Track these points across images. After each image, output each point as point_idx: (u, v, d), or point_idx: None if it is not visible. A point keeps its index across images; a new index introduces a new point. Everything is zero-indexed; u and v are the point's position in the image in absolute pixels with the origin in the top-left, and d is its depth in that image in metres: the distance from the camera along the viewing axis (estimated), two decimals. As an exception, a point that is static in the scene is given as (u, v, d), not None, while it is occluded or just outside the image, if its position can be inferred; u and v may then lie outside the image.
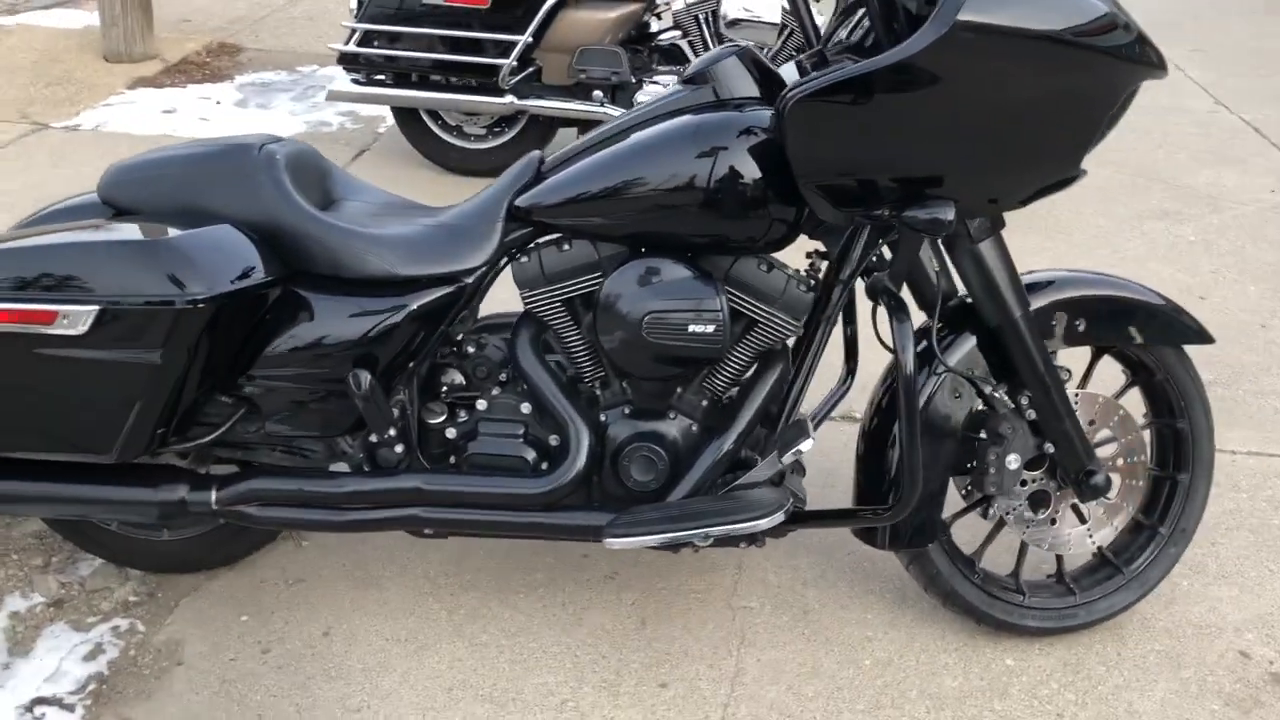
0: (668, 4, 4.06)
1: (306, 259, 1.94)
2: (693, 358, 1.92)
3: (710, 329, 1.88)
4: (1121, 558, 2.17)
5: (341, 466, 2.06)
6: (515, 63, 3.92)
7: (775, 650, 2.14)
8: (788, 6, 3.84)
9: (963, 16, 1.60)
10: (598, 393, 2.04)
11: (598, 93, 4.01)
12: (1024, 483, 2.06)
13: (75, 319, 1.77)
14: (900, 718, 2.00)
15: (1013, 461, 2.01)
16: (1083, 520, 2.12)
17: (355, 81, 4.13)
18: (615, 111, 3.97)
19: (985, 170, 1.77)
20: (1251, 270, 3.78)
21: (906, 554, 2.09)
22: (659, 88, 4.00)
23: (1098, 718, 2.01)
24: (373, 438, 2.02)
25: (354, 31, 3.99)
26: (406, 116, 4.27)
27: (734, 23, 3.91)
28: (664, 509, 1.95)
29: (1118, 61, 1.69)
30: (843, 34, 2.03)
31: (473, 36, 3.92)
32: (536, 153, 2.07)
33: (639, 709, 2.00)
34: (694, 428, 2.02)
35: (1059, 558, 2.17)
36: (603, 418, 2.02)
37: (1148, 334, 2.06)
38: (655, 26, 4.19)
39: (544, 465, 2.03)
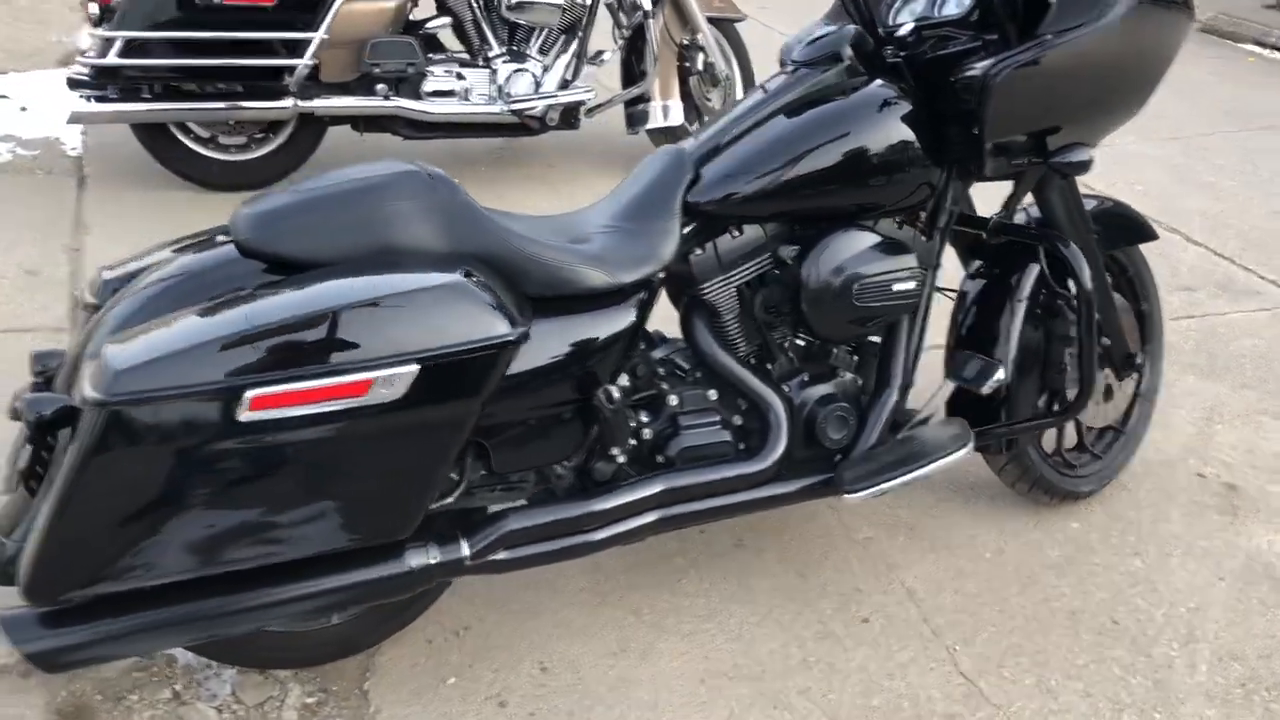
0: (430, -10, 3.95)
1: (526, 282, 1.83)
2: (894, 314, 2.09)
3: (912, 285, 2.07)
4: (1120, 421, 2.69)
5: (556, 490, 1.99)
6: (311, 62, 3.62)
7: (918, 566, 2.39)
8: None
9: None
10: (769, 368, 2.14)
11: (381, 86, 3.82)
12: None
13: (392, 383, 1.56)
14: (1040, 585, 2.35)
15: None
16: (1110, 396, 2.60)
17: (97, 99, 3.56)
18: (407, 104, 3.83)
19: (1111, 116, 2.13)
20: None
21: (1006, 454, 2.43)
22: (450, 77, 3.91)
23: (1149, 537, 2.51)
24: (614, 452, 1.97)
25: (109, 42, 3.44)
26: (153, 132, 3.76)
27: (518, 5, 3.92)
28: (881, 457, 2.12)
29: (1191, 16, 2.12)
30: (907, 12, 2.27)
31: (259, 38, 3.56)
32: (675, 147, 2.10)
33: (867, 646, 2.16)
34: (858, 381, 2.21)
35: (1079, 431, 2.64)
36: (785, 389, 2.13)
37: (1129, 236, 2.55)
38: (414, 15, 4.05)
39: (741, 445, 2.10)
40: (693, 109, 4.32)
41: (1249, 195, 4.75)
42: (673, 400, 2.06)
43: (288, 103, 3.69)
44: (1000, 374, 2.14)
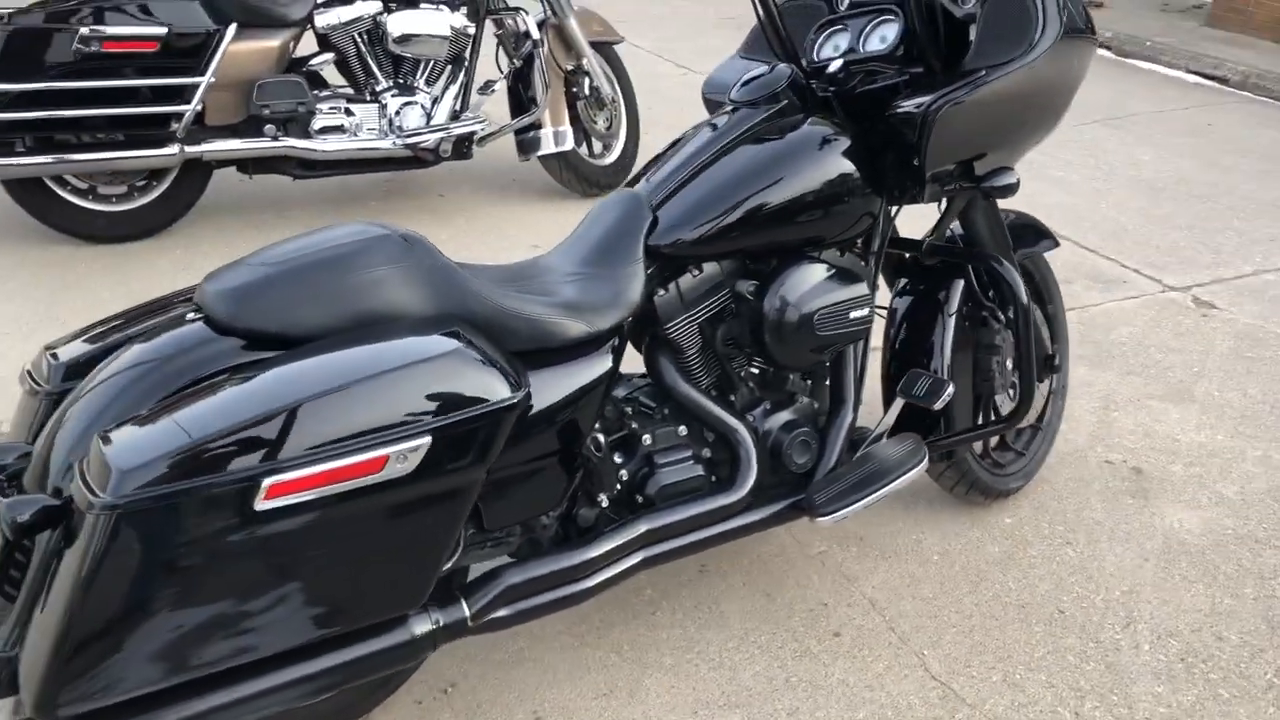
0: (310, 27, 3.85)
1: (511, 339, 1.84)
2: (852, 339, 2.18)
3: (865, 312, 2.16)
4: (1038, 418, 2.85)
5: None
6: (198, 107, 3.50)
7: (874, 576, 2.49)
8: (457, 25, 3.93)
9: (1062, 30, 2.07)
10: (732, 399, 2.20)
11: (270, 127, 3.72)
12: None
13: (406, 457, 1.55)
14: (988, 582, 2.48)
15: (1008, 364, 2.57)
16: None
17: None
18: (297, 144, 3.74)
19: (1031, 139, 2.27)
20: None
21: (946, 462, 2.55)
22: (338, 113, 3.84)
23: (1076, 525, 2.68)
24: (600, 497, 1.99)
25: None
26: (27, 187, 3.57)
27: (403, 38, 3.87)
28: (846, 478, 2.20)
29: (1096, 41, 2.27)
30: (830, 47, 2.35)
31: (142, 85, 3.41)
32: (629, 191, 2.13)
33: (843, 659, 2.24)
34: (814, 405, 2.28)
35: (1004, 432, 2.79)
36: (750, 419, 2.19)
37: (1038, 244, 2.71)
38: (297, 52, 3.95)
39: (713, 478, 2.16)
40: (581, 133, 4.35)
41: (1096, 188, 5.07)
42: (646, 440, 2.10)
43: (173, 149, 3.56)
44: (950, 390, 2.25)
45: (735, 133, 2.15)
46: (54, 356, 1.85)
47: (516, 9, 4.16)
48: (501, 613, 1.86)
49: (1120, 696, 2.19)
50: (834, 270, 2.14)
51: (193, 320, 1.74)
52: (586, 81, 4.32)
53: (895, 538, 2.61)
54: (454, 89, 4.02)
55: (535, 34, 4.08)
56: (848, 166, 2.14)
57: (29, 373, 1.90)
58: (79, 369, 1.84)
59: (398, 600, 1.68)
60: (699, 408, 2.11)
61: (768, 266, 2.16)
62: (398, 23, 3.84)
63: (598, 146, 4.47)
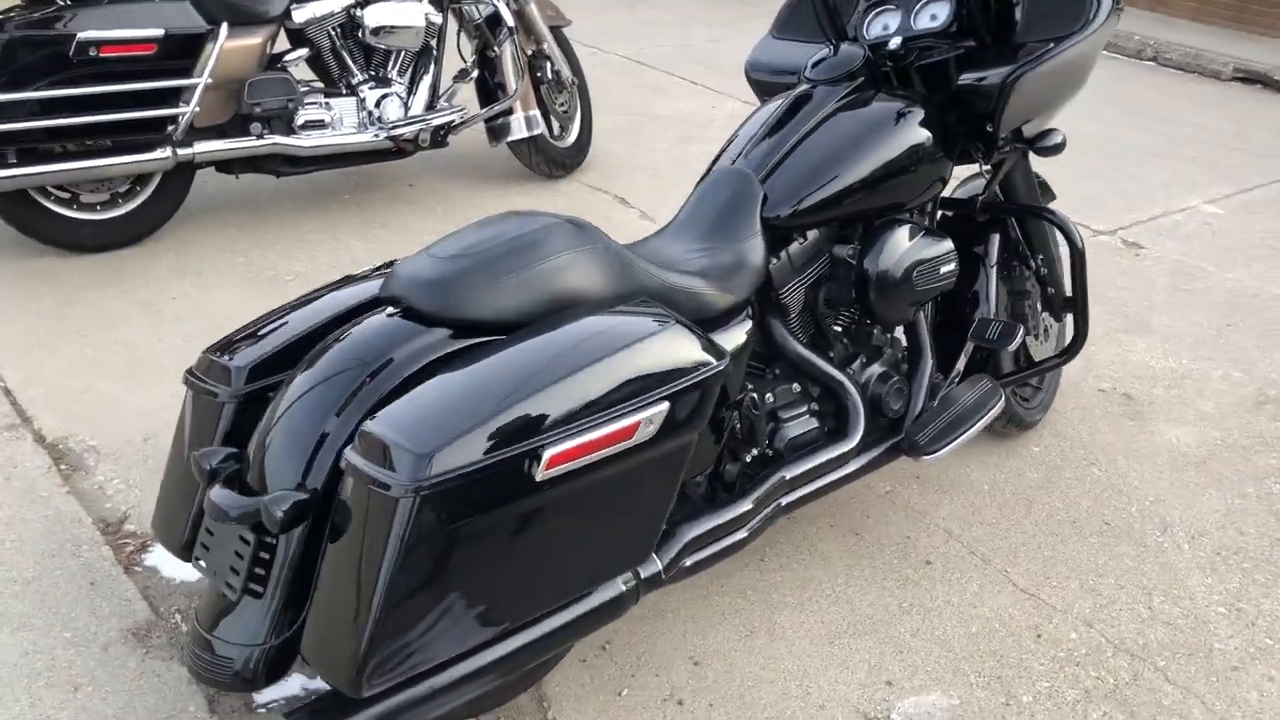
0: (284, 23, 3.82)
1: (680, 311, 1.98)
2: (941, 292, 2.39)
3: (952, 266, 2.38)
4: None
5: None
6: (196, 109, 3.45)
7: (941, 508, 2.73)
8: (433, 14, 3.97)
9: (1114, 3, 2.31)
10: (830, 356, 2.39)
11: (256, 125, 3.70)
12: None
13: (651, 422, 1.69)
14: (1038, 504, 2.75)
15: (1038, 307, 2.84)
16: (1047, 335, 3.03)
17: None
18: (284, 141, 3.73)
19: (1066, 103, 2.51)
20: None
21: None
22: (320, 108, 3.83)
23: (1095, 448, 2.98)
24: (749, 454, 2.15)
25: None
26: (11, 199, 3.45)
27: (380, 30, 3.88)
28: (940, 419, 2.42)
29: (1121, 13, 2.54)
30: (879, 26, 2.55)
31: (142, 88, 3.34)
32: (735, 169, 2.28)
33: (940, 584, 2.47)
34: (899, 356, 2.50)
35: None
36: (849, 372, 2.39)
37: (1045, 196, 2.98)
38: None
39: (825, 429, 2.35)
40: (547, 116, 4.44)
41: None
42: (769, 398, 2.27)
43: (165, 153, 3.51)
44: (1022, 333, 2.50)
45: (825, 110, 2.33)
46: (228, 360, 1.90)
47: (477, -3, 4.22)
48: (685, 564, 2.02)
49: (1181, 590, 2.49)
50: (921, 230, 2.35)
51: (393, 314, 1.82)
52: (548, 65, 4.41)
53: (947, 472, 2.86)
54: (427, 79, 4.06)
55: (510, 20, 4.14)
56: (925, 135, 2.35)
57: (197, 378, 1.94)
58: (261, 371, 1.90)
59: (633, 556, 1.82)
60: (811, 365, 2.29)
61: (856, 231, 2.35)
62: (374, 15, 3.85)
63: (556, 128, 4.57)
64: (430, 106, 4.08)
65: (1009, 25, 2.42)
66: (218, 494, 1.73)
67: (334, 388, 1.76)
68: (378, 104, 3.94)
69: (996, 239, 2.71)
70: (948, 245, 2.37)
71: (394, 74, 4.03)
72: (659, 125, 5.43)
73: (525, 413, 1.59)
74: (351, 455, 1.59)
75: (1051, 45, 2.32)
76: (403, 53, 4.02)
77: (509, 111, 4.24)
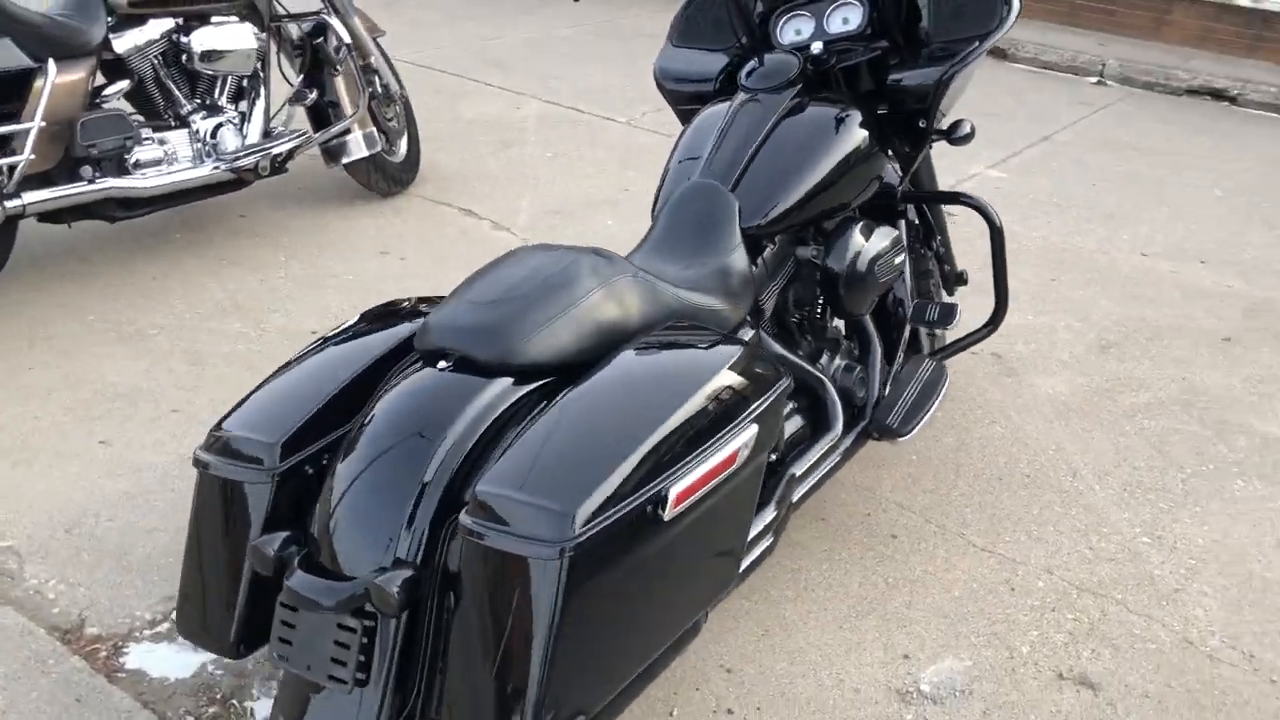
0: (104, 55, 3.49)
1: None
2: (896, 281, 2.52)
3: (904, 254, 2.52)
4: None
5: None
6: (32, 155, 3.09)
7: (884, 482, 2.90)
8: (260, 35, 3.74)
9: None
10: (801, 354, 2.49)
11: (86, 169, 3.37)
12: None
13: (748, 445, 1.72)
14: (964, 467, 2.97)
15: (940, 284, 3.04)
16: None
17: None
18: (120, 183, 3.42)
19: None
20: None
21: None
22: (153, 144, 3.53)
23: (989, 406, 3.25)
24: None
25: None
26: None
27: (207, 55, 3.62)
28: (903, 400, 2.56)
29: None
30: (791, 32, 2.64)
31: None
32: (704, 182, 2.32)
33: (912, 555, 2.63)
34: (854, 347, 2.62)
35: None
36: (819, 367, 2.49)
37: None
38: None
39: (808, 425, 2.44)
40: (381, 131, 4.29)
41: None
42: None
43: (-14, 208, 3.14)
44: (959, 313, 2.68)
45: (773, 118, 2.40)
46: (257, 436, 1.78)
47: (297, 15, 4.01)
48: (794, 495, 2.11)
49: (1108, 527, 2.77)
50: (874, 225, 2.48)
51: (446, 368, 1.76)
52: (377, 79, 4.25)
53: (876, 449, 3.03)
54: (260, 103, 3.83)
55: (346, 36, 3.96)
56: (866, 135, 2.47)
57: (216, 459, 1.80)
58: (296, 444, 1.79)
59: (729, 575, 1.85)
60: (794, 365, 2.37)
61: (810, 233, 2.45)
62: (201, 39, 3.59)
63: (387, 143, 4.42)
64: (267, 133, 3.85)
65: (916, 26, 2.58)
66: (303, 582, 1.63)
67: (406, 452, 1.68)
68: (213, 134, 3.68)
69: (903, 225, 2.88)
70: (898, 235, 2.51)
71: (224, 101, 3.78)
72: (472, 131, 5.35)
73: (646, 456, 1.59)
74: (470, 521, 1.53)
75: (976, 43, 2.50)
76: (230, 78, 3.77)
77: (346, 131, 4.06)
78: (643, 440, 1.59)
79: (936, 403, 2.60)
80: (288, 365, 1.94)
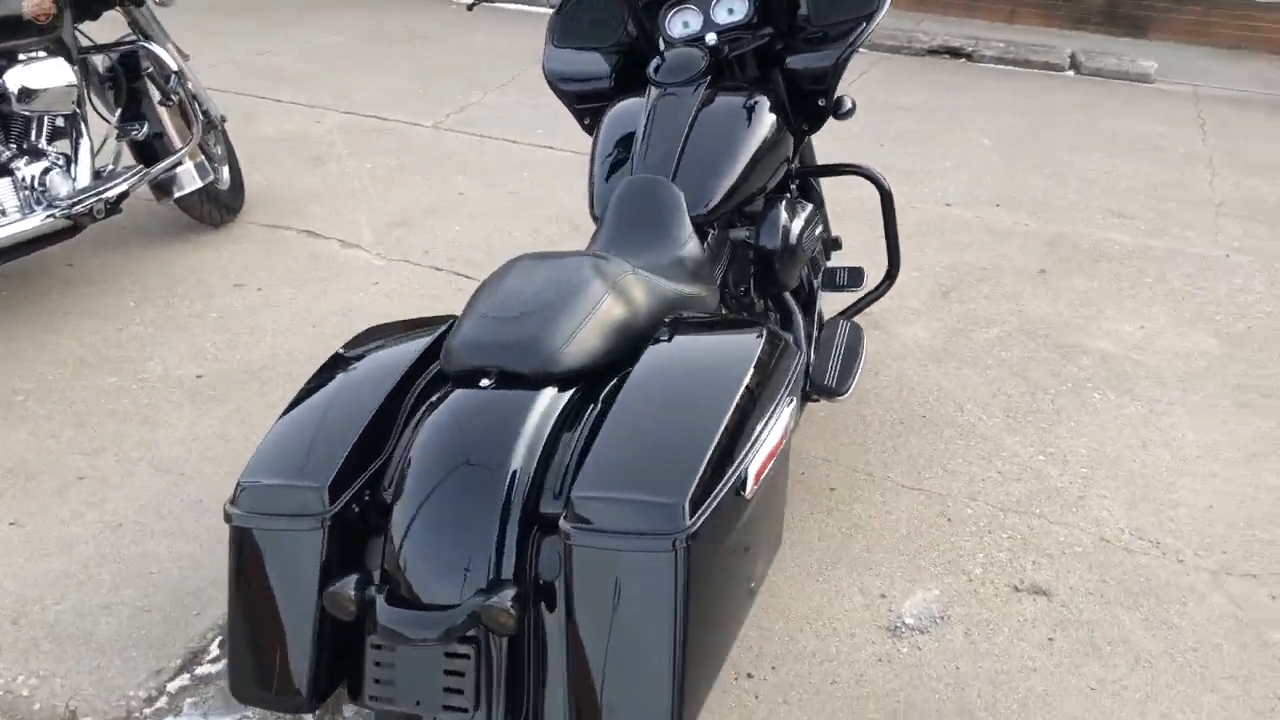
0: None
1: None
2: (815, 253, 2.69)
3: (823, 225, 2.69)
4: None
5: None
6: None
7: (805, 441, 3.08)
8: (77, 75, 3.50)
9: None
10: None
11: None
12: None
13: (792, 419, 1.83)
14: (868, 418, 3.21)
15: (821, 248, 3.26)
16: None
17: None
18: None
19: None
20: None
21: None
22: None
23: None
24: None
25: None
26: None
27: (25, 94, 3.34)
28: (833, 361, 2.74)
29: None
30: (679, 24, 2.75)
31: None
32: (650, 178, 2.40)
33: (855, 502, 2.84)
34: (777, 317, 2.78)
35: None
36: None
37: None
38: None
39: None
40: (208, 159, 4.09)
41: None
42: None
43: None
44: (864, 274, 2.88)
45: (692, 109, 2.51)
46: (301, 482, 1.75)
47: (106, 46, 3.76)
48: None
49: (1007, 452, 3.07)
50: (794, 203, 2.64)
51: (488, 385, 1.77)
52: (197, 105, 4.05)
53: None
54: (84, 142, 3.57)
55: (173, 64, 3.73)
56: (775, 118, 2.62)
57: (252, 513, 1.75)
58: (341, 484, 1.77)
59: (777, 542, 1.95)
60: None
61: (743, 213, 2.59)
62: (17, 77, 3.30)
63: (213, 171, 4.22)
64: (97, 174, 3.60)
65: (795, 14, 2.75)
66: (400, 618, 1.61)
67: (474, 472, 1.69)
68: (40, 180, 3.41)
69: (786, 197, 3.07)
70: (814, 208, 2.69)
71: (44, 144, 3.50)
72: (279, 150, 5.16)
73: (724, 441, 1.67)
74: (571, 527, 1.56)
75: (864, 24, 2.69)
76: (47, 118, 3.50)
77: (177, 163, 3.85)
78: (717, 426, 1.68)
79: (863, 358, 2.80)
80: (297, 403, 1.89)
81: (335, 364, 1.99)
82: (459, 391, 1.80)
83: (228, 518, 1.77)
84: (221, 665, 2.25)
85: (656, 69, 2.61)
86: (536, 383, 1.77)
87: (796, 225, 2.58)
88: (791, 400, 1.86)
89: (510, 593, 1.59)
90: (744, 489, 1.67)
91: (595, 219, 2.45)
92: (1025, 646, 2.39)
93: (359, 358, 1.99)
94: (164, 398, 3.14)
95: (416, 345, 1.97)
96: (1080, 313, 3.88)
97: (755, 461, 1.70)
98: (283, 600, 1.75)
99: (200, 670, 2.24)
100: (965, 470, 2.98)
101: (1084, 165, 5.42)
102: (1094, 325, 3.79)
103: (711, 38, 2.70)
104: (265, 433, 1.86)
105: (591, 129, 2.84)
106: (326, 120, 5.62)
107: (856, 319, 3.15)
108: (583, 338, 1.83)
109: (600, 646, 1.59)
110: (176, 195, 3.93)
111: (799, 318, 2.78)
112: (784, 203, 2.60)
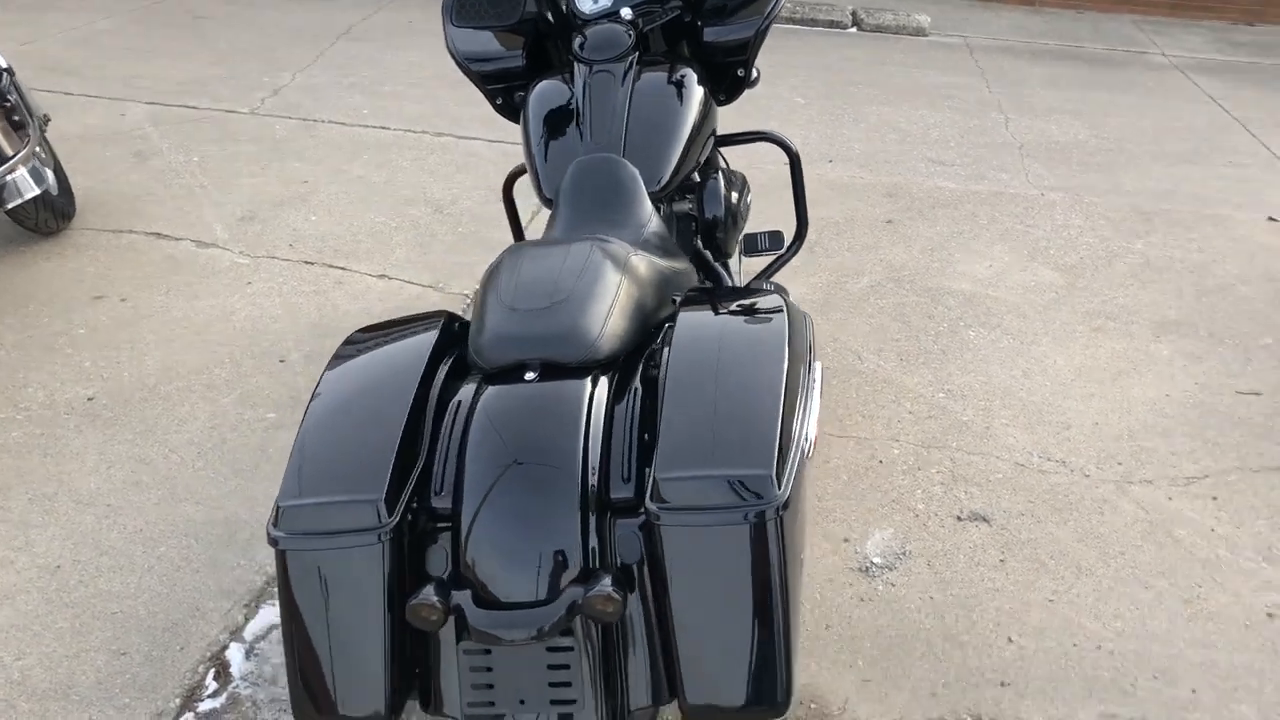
0: None
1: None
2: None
3: (751, 194, 2.78)
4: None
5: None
6: None
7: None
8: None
9: None
10: (686, 302, 2.69)
11: None
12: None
13: (820, 375, 1.92)
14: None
15: None
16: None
17: None
18: None
19: None
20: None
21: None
22: None
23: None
24: None
25: None
26: None
27: None
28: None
29: None
30: (591, 2, 2.76)
31: None
32: (605, 156, 2.42)
33: (792, 456, 2.97)
34: (710, 283, 2.86)
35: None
36: None
37: None
38: None
39: None
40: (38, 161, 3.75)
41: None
42: None
43: None
44: (783, 237, 2.99)
45: (627, 85, 2.54)
46: (359, 497, 1.71)
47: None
48: None
49: (911, 392, 3.29)
50: (728, 173, 2.72)
51: (534, 379, 1.77)
52: (22, 105, 3.69)
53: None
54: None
55: (2, 62, 3.38)
56: (703, 89, 2.68)
57: (302, 534, 1.69)
58: (394, 495, 1.73)
59: None
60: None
61: (683, 186, 2.65)
62: None
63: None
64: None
65: None
66: (496, 620, 1.60)
67: (541, 464, 1.69)
68: None
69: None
70: (743, 176, 2.77)
71: None
72: (91, 147, 4.77)
73: (788, 407, 1.73)
74: (659, 509, 1.59)
75: (776, -1, 2.78)
76: None
77: (9, 170, 3.52)
78: (778, 394, 1.74)
79: (795, 320, 2.92)
80: (313, 416, 1.82)
81: (338, 372, 1.92)
82: (503, 387, 1.78)
83: (274, 542, 1.70)
84: (225, 698, 2.14)
85: (582, 45, 2.61)
86: (580, 371, 1.78)
87: (733, 194, 2.66)
88: (818, 360, 1.95)
89: (609, 578, 1.61)
90: (810, 451, 1.75)
91: (546, 201, 2.45)
92: (983, 570, 2.60)
93: (364, 364, 1.93)
94: (58, 425, 2.90)
95: (422, 344, 1.93)
96: (934, 257, 4.16)
97: (812, 424, 1.78)
98: (348, 618, 1.70)
99: (203, 707, 2.13)
100: (881, 414, 3.17)
101: (894, 118, 5.77)
102: (949, 268, 4.08)
103: (627, 12, 2.72)
104: (290, 452, 1.79)
105: (503, 109, 2.82)
106: (132, 113, 5.23)
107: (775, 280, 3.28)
108: (614, 322, 1.85)
109: (703, 622, 1.63)
110: (10, 205, 3.59)
111: (728, 281, 2.87)
112: (720, 173, 2.68)
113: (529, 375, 1.77)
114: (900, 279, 3.97)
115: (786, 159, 3.08)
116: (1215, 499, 2.87)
